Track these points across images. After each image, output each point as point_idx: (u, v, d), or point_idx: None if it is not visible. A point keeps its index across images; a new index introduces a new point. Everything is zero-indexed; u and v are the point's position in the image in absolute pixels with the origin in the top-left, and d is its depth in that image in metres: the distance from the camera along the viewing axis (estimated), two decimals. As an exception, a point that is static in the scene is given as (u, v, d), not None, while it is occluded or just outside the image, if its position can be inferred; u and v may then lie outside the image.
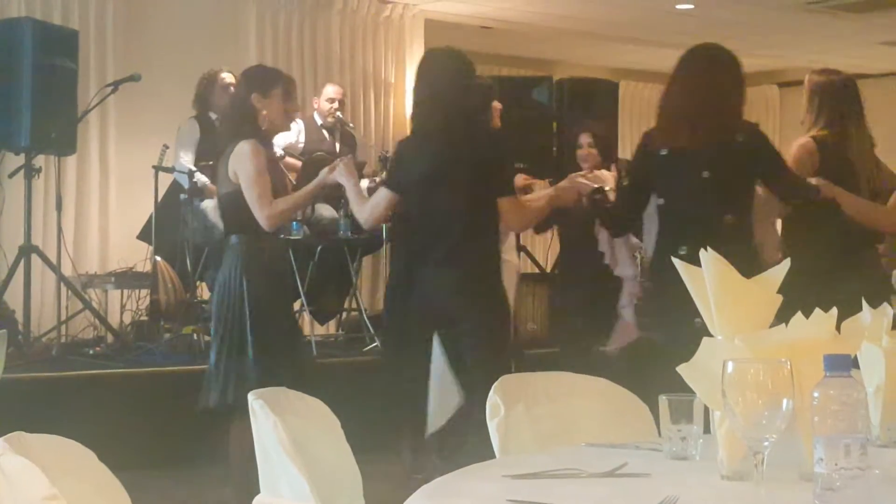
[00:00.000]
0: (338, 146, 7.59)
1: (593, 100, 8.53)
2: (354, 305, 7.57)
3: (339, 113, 7.62)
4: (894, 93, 11.36)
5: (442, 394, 4.06)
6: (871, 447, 1.67)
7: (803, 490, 1.61)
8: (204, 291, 7.15)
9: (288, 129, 5.25)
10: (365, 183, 6.28)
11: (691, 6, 9.83)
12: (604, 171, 5.79)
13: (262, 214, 4.36)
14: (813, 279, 3.70)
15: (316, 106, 7.79)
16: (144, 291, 7.01)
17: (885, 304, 2.10)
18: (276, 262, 4.62)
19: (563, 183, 4.60)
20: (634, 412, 2.54)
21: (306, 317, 7.32)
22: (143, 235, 7.11)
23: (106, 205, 8.26)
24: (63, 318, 6.73)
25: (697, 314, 1.88)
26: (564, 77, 9.19)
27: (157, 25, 8.52)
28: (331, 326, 8.21)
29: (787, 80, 12.30)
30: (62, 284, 6.64)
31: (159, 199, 6.88)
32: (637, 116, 12.40)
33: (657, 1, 9.65)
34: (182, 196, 6.79)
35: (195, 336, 6.56)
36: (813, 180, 4.23)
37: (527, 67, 11.55)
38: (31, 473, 1.59)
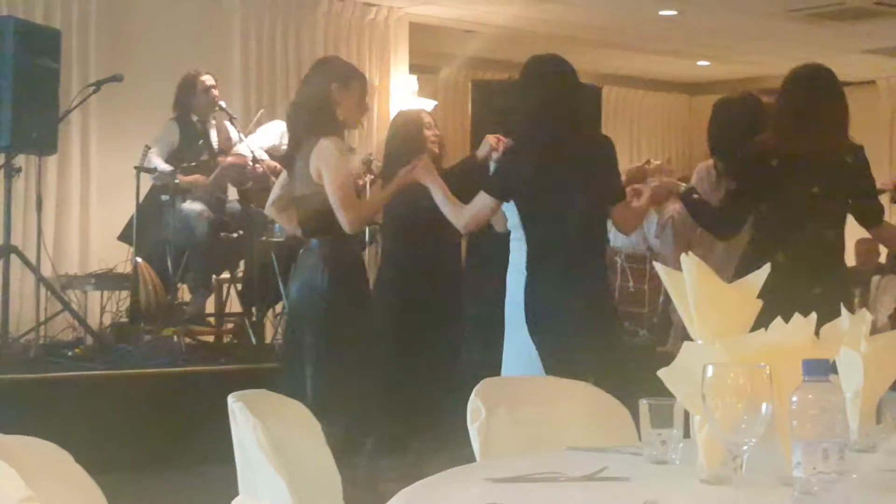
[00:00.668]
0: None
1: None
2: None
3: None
4: (875, 100, 11.42)
5: None
6: (850, 452, 1.67)
7: (782, 494, 1.61)
8: (184, 293, 7.12)
9: (358, 126, 5.21)
10: None
11: (675, 12, 9.86)
12: None
13: (347, 217, 4.31)
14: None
15: (299, 108, 7.76)
16: (125, 293, 6.97)
17: (864, 310, 2.11)
18: (358, 267, 4.59)
19: (652, 182, 4.58)
20: (615, 416, 2.54)
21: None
22: (124, 236, 7.08)
23: (87, 205, 8.23)
24: (42, 319, 6.70)
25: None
26: (548, 81, 9.20)
27: (140, 26, 8.49)
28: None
29: (768, 87, 12.35)
30: (41, 285, 6.61)
31: (140, 200, 6.85)
32: (621, 121, 12.43)
33: (641, 7, 9.68)
34: (163, 197, 6.77)
35: (175, 338, 6.54)
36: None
37: (510, 71, 11.55)
38: (7, 475, 1.58)
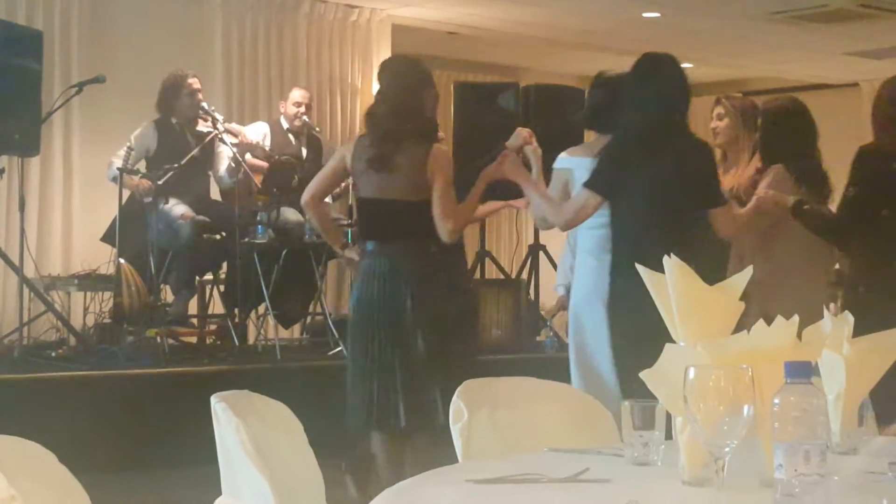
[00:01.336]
0: (304, 150, 7.57)
1: (559, 107, 8.54)
2: (319, 310, 7.56)
3: (305, 117, 7.61)
4: (858, 103, 11.48)
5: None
6: (831, 454, 1.68)
7: (763, 496, 1.62)
8: (167, 294, 7.11)
9: None
10: None
11: (658, 14, 9.88)
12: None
13: (448, 225, 4.31)
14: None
15: (282, 110, 7.77)
16: (108, 294, 6.95)
17: (847, 313, 2.11)
18: (450, 270, 4.56)
19: (760, 192, 4.60)
20: (597, 418, 2.55)
21: (270, 321, 7.29)
22: (107, 237, 7.06)
23: (69, 206, 8.20)
24: (25, 319, 6.67)
25: None
26: (531, 84, 9.22)
27: (123, 27, 8.47)
28: (295, 330, 8.19)
29: (751, 90, 12.40)
30: (24, 286, 6.59)
31: (123, 201, 6.83)
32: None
33: (624, 9, 9.69)
34: (146, 199, 6.76)
35: (158, 339, 6.52)
36: None
37: (493, 73, 11.56)
38: (-10, 475, 1.57)
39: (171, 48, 8.30)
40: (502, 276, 8.68)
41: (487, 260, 8.75)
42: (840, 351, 2.03)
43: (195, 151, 6.87)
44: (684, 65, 4.42)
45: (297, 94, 7.74)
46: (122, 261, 6.73)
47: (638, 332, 3.63)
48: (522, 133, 4.74)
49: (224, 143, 6.99)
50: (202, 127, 7.09)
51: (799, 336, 1.86)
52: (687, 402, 1.67)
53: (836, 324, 2.06)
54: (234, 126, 7.38)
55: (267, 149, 7.44)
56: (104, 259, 7.09)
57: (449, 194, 4.30)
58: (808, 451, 1.55)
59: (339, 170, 4.54)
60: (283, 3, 9.31)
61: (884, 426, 2.33)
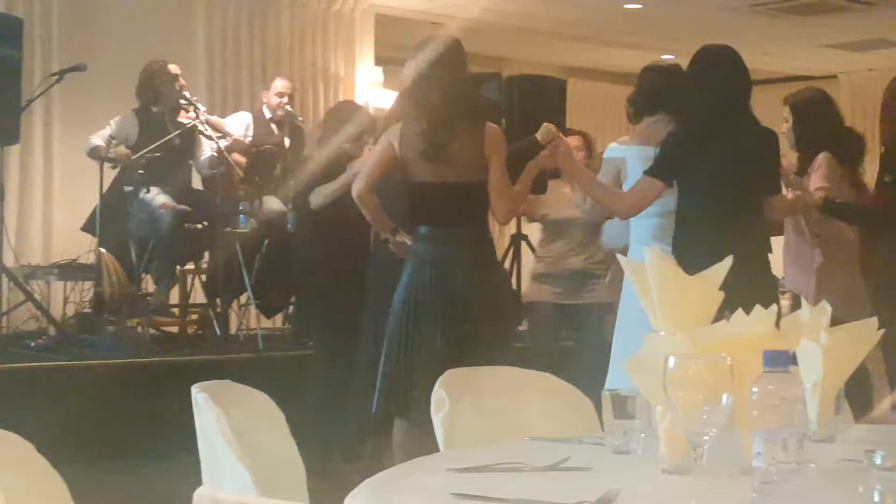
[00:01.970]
0: (286, 140, 7.56)
1: (542, 97, 8.54)
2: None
3: (288, 107, 7.59)
4: (837, 95, 11.50)
5: None
6: (809, 442, 1.70)
7: (742, 484, 1.63)
8: (149, 284, 7.09)
9: None
10: None
11: (639, 6, 9.90)
12: None
13: (506, 206, 4.29)
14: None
15: (265, 100, 7.75)
16: (88, 283, 6.93)
17: (824, 302, 2.13)
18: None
19: (817, 183, 4.72)
20: (578, 407, 2.56)
21: (252, 310, 7.29)
22: (88, 227, 7.03)
23: (50, 195, 8.17)
24: (4, 309, 6.65)
25: None
26: (513, 74, 9.21)
27: (104, 15, 8.43)
28: (277, 320, 8.18)
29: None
30: (4, 275, 6.56)
31: (104, 190, 6.81)
32: (586, 114, 12.45)
33: (606, 0, 9.71)
34: (127, 188, 6.73)
35: (139, 329, 6.51)
36: None
37: (476, 64, 11.51)
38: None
39: (152, 37, 8.27)
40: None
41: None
42: (818, 340, 2.04)
43: (173, 136, 6.82)
44: (665, 56, 4.45)
45: (279, 84, 7.72)
46: (102, 250, 6.70)
47: None
48: (550, 128, 4.72)
49: (205, 134, 6.96)
50: (184, 118, 7.06)
51: (778, 325, 1.87)
52: (667, 390, 1.68)
53: (813, 313, 2.07)
54: (215, 119, 7.36)
55: (249, 138, 7.43)
56: (85, 248, 7.07)
57: (506, 175, 4.26)
58: (786, 440, 1.56)
59: (387, 158, 4.37)
60: (265, -9, 9.30)
61: None
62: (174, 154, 6.90)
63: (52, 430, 4.06)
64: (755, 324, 1.82)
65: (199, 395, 2.19)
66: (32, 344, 6.43)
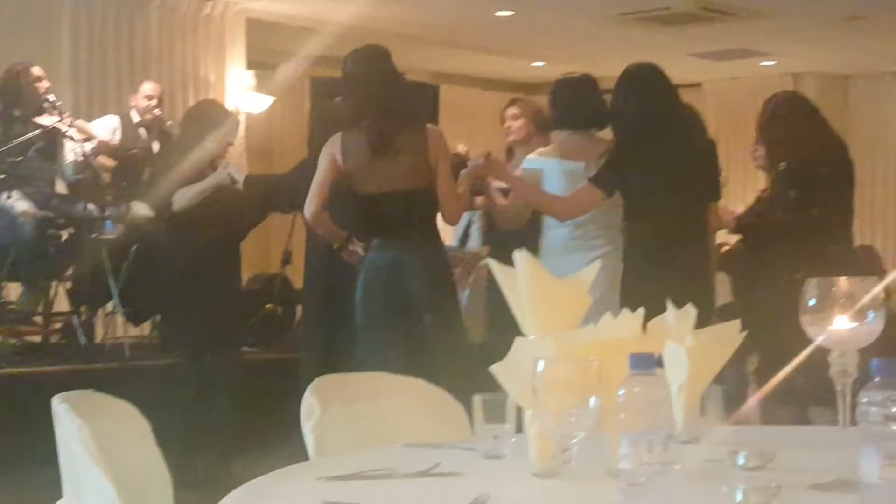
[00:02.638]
0: (155, 144, 7.41)
1: (415, 103, 8.56)
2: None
3: (157, 111, 7.45)
4: (701, 103, 11.79)
5: None
6: (674, 443, 1.72)
7: (610, 486, 1.65)
8: (10, 292, 6.88)
9: None
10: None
11: (510, 13, 9.99)
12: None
13: (455, 209, 4.30)
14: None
15: (133, 103, 7.60)
16: (-53, 293, 6.70)
17: (690, 305, 2.16)
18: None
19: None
20: (450, 412, 2.55)
21: (119, 318, 7.13)
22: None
23: None
24: None
25: None
26: (386, 79, 9.21)
27: (-37, 15, 8.16)
28: (145, 328, 8.01)
29: (602, 89, 12.65)
30: None
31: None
32: (457, 120, 12.51)
33: (477, 6, 9.78)
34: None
35: (0, 339, 6.31)
36: None
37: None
38: None
39: (16, 37, 8.02)
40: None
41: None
42: (683, 342, 2.08)
43: (31, 136, 6.59)
44: (536, 63, 4.55)
45: (147, 88, 7.59)
46: (-39, 258, 6.48)
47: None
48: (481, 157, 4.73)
49: (70, 136, 6.78)
50: (46, 119, 6.86)
51: (645, 328, 1.90)
52: (536, 394, 1.69)
53: (679, 316, 2.11)
54: (80, 122, 7.19)
55: (117, 142, 7.27)
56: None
57: (452, 177, 4.27)
58: (651, 441, 1.58)
59: (333, 172, 4.32)
60: (133, -7, 9.11)
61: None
62: (36, 158, 6.70)
63: None
64: (622, 327, 1.84)
65: (60, 405, 2.12)
66: None
